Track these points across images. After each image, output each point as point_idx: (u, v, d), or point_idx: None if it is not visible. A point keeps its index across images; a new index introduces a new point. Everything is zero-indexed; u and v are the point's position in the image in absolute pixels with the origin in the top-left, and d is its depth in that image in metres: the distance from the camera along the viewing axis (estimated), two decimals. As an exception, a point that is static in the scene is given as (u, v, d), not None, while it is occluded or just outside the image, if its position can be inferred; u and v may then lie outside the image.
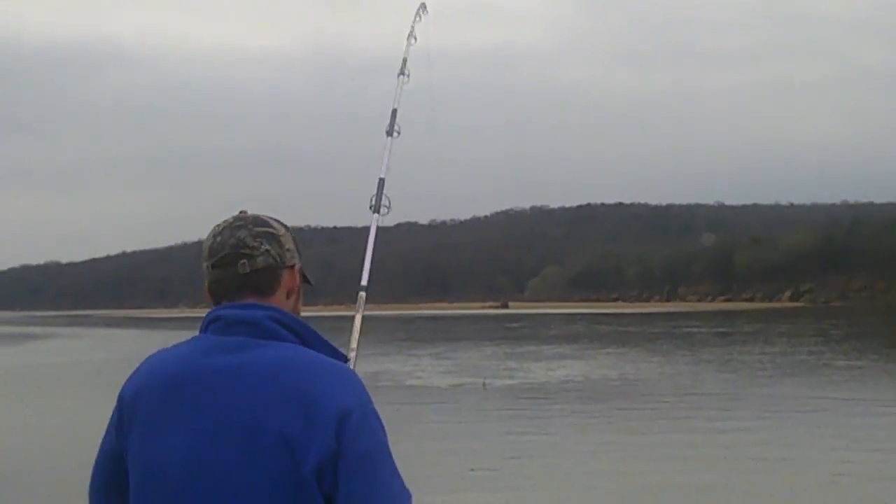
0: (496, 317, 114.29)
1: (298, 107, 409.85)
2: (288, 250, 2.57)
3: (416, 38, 4.48)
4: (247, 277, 2.50)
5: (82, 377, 35.95)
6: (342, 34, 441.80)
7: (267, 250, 2.52)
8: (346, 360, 2.53)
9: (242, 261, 2.49)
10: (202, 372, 2.39)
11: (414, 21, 4.55)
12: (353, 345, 4.23)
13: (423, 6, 4.69)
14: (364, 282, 4.06)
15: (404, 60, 4.42)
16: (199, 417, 2.34)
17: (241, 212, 2.59)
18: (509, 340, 57.42)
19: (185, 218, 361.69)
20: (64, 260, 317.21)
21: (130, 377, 2.52)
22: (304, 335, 2.47)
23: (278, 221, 2.60)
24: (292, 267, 2.58)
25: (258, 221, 2.56)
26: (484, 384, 29.58)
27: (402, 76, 4.37)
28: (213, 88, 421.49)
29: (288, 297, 2.56)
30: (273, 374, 2.34)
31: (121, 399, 2.50)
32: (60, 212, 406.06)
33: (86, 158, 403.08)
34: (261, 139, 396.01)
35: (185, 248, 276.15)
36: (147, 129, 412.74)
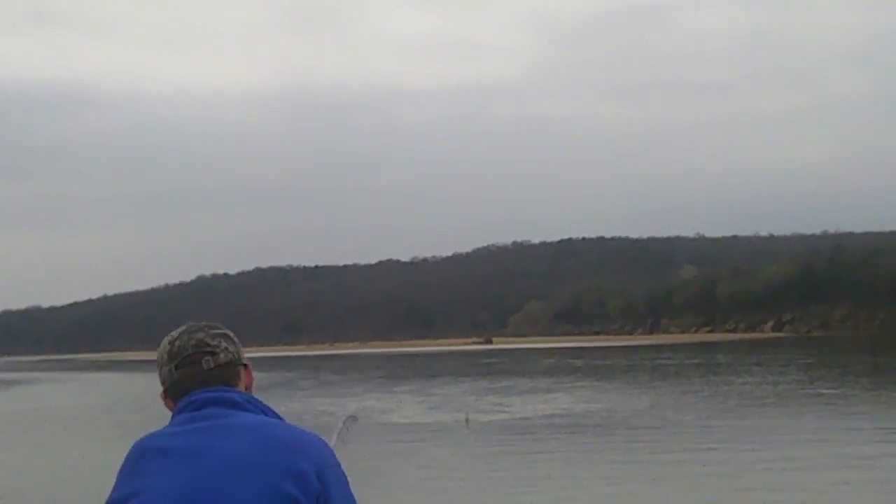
0: (480, 353, 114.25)
1: (276, 144, 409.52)
2: (241, 352, 2.82)
3: (343, 440, 4.89)
4: (211, 373, 2.71)
5: (69, 422, 35.79)
6: (317, 71, 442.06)
7: (226, 347, 2.76)
8: None
9: (206, 358, 2.72)
10: (187, 436, 2.59)
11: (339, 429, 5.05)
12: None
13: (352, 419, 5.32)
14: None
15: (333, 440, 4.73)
16: (192, 466, 2.52)
17: (188, 324, 2.79)
18: (491, 376, 57.42)
19: (166, 259, 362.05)
20: (45, 304, 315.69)
21: (119, 482, 2.63)
22: (267, 413, 2.72)
23: (229, 331, 2.83)
24: (246, 366, 2.82)
25: (212, 326, 2.79)
26: (466, 420, 29.58)
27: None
28: (190, 128, 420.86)
29: (247, 390, 2.80)
30: (256, 428, 2.59)
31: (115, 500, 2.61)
32: (40, 255, 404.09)
33: (64, 200, 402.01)
34: (238, 178, 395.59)
35: (166, 290, 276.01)
36: (124, 170, 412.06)
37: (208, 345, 2.72)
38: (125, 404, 43.78)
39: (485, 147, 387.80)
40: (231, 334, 2.80)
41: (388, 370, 63.71)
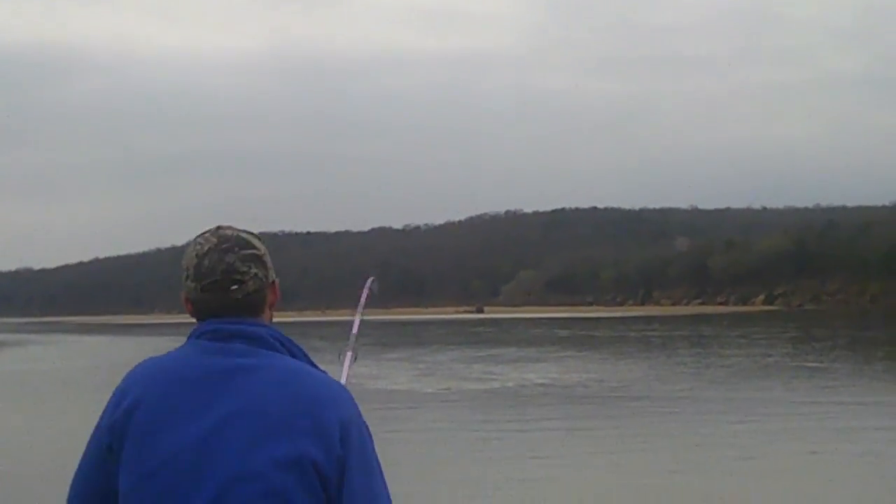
0: (471, 321, 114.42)
1: (267, 110, 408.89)
2: (270, 269, 2.68)
3: (372, 290, 4.84)
4: (238, 301, 2.59)
5: (61, 384, 35.80)
6: (309, 36, 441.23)
7: (255, 273, 2.62)
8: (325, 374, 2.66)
9: (234, 286, 2.58)
10: (211, 369, 2.51)
11: (367, 288, 5.03)
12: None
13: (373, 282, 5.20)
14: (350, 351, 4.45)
15: (353, 336, 4.65)
16: (213, 407, 2.45)
17: (218, 227, 2.66)
18: (482, 344, 57.56)
19: (158, 223, 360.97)
20: (36, 266, 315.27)
21: (120, 394, 2.57)
22: (293, 351, 2.62)
23: (256, 237, 2.69)
24: (273, 283, 2.70)
25: (242, 243, 2.63)
26: (450, 388, 29.66)
27: (349, 353, 4.61)
28: (182, 92, 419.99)
29: (270, 309, 2.69)
30: (283, 379, 2.50)
31: (112, 421, 2.54)
32: (32, 218, 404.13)
33: (56, 164, 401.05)
34: (231, 143, 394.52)
35: (158, 253, 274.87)
36: (117, 134, 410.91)
37: (238, 271, 2.59)
38: (118, 367, 43.69)
39: (479, 116, 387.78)
40: (260, 250, 2.66)
41: (377, 337, 63.73)
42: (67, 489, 2.64)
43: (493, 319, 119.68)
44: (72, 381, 36.93)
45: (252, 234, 2.69)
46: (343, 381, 4.16)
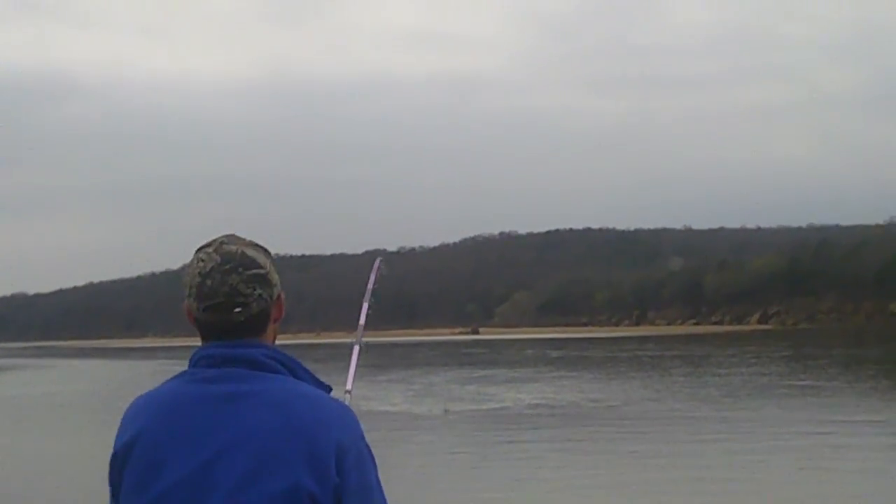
0: (464, 342, 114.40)
1: (260, 133, 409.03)
2: (275, 285, 2.59)
3: (377, 279, 4.94)
4: (241, 324, 2.52)
5: (55, 408, 35.77)
6: (300, 59, 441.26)
7: (259, 294, 2.53)
8: (329, 390, 2.60)
9: (237, 309, 2.50)
10: (206, 399, 2.45)
11: (378, 268, 5.15)
12: (349, 386, 4.43)
13: (383, 262, 5.27)
14: (349, 386, 4.45)
15: (369, 290, 4.73)
16: (207, 441, 2.40)
17: (221, 242, 2.57)
18: (475, 365, 57.61)
19: (152, 248, 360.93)
20: (31, 291, 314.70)
21: (120, 428, 2.53)
22: (294, 369, 2.55)
23: (262, 250, 2.61)
24: (278, 297, 2.61)
25: (247, 262, 2.54)
26: (446, 411, 29.64)
27: (366, 302, 4.67)
28: (173, 116, 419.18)
29: (275, 323, 2.63)
30: (277, 405, 2.42)
31: (112, 457, 2.51)
32: (26, 242, 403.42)
33: (50, 188, 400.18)
34: (224, 167, 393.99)
35: (153, 277, 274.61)
36: (109, 159, 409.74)
37: (241, 293, 2.50)
38: (112, 391, 43.65)
39: (472, 138, 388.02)
40: (265, 268, 2.57)
41: (369, 359, 63.86)
42: None
43: (486, 341, 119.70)
44: (67, 405, 36.91)
45: (256, 247, 2.61)
46: (351, 374, 4.19)
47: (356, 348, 4.48)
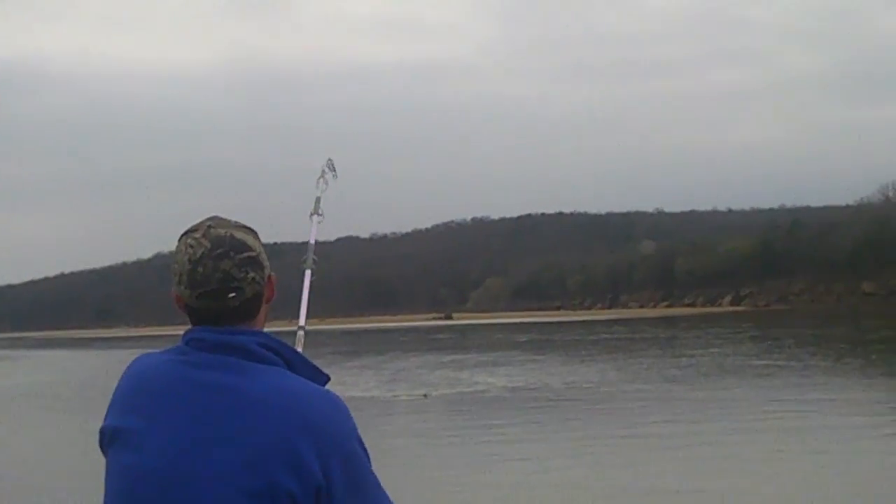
0: (435, 328, 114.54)
1: (228, 122, 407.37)
2: (266, 267, 2.54)
3: (326, 182, 4.50)
4: (235, 309, 2.47)
5: (25, 399, 35.67)
6: (268, 48, 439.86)
7: (252, 278, 2.48)
8: (328, 379, 2.57)
9: (232, 294, 2.45)
10: (192, 383, 2.40)
11: (322, 172, 4.58)
12: (302, 321, 4.16)
13: (331, 164, 4.69)
14: (302, 322, 4.09)
15: (317, 200, 4.42)
16: (188, 428, 2.35)
17: (209, 226, 2.48)
18: (444, 350, 57.77)
19: (123, 237, 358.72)
20: (1, 282, 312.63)
21: (112, 406, 2.50)
22: (290, 358, 2.50)
23: (251, 232, 2.54)
24: (269, 278, 2.56)
25: (237, 245, 2.47)
26: (425, 395, 29.74)
27: (315, 216, 4.40)
28: (142, 105, 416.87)
29: (267, 304, 2.58)
30: (265, 401, 2.35)
31: (101, 432, 2.49)
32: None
33: (19, 178, 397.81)
34: (193, 156, 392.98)
35: (124, 267, 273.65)
36: (78, 149, 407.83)
37: (235, 278, 2.43)
38: (81, 381, 43.53)
39: (443, 124, 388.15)
40: (255, 250, 2.50)
41: (338, 346, 63.92)
42: None
43: (456, 326, 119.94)
44: (34, 396, 36.79)
45: (245, 228, 2.54)
46: (303, 306, 4.05)
47: (308, 273, 4.21)
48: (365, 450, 2.46)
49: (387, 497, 2.49)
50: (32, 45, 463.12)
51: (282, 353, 2.48)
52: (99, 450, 2.49)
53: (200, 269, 2.43)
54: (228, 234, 2.48)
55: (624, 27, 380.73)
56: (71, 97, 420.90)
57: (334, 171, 4.64)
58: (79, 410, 26.91)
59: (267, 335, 2.49)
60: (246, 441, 2.31)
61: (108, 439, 2.46)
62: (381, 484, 2.48)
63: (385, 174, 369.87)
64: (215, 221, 2.51)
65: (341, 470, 2.37)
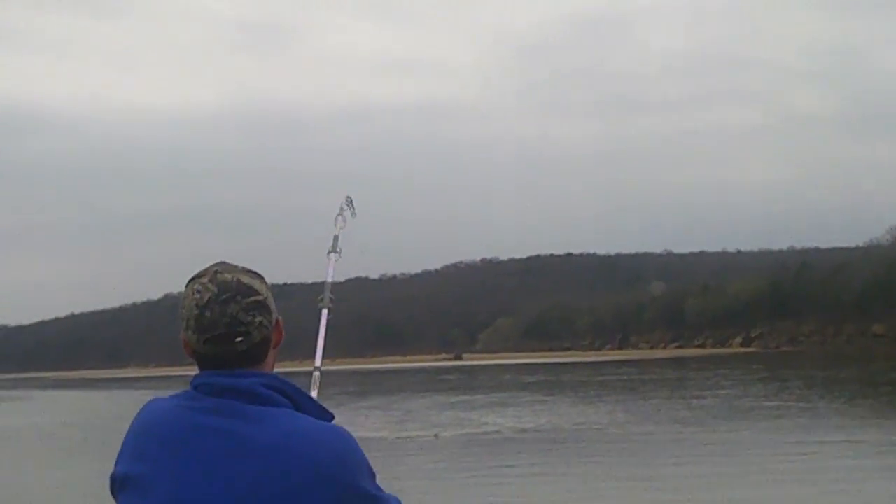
0: (447, 369, 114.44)
1: (233, 164, 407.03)
2: (273, 311, 2.54)
3: (345, 220, 4.52)
4: (243, 353, 2.46)
5: (43, 439, 35.76)
6: (272, 90, 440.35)
7: (260, 322, 2.47)
8: (332, 417, 2.58)
9: (239, 338, 2.45)
10: (199, 430, 2.40)
11: (341, 210, 4.60)
12: (318, 363, 4.17)
13: (349, 201, 4.69)
14: (318, 363, 4.09)
15: (335, 238, 4.46)
16: (196, 477, 2.35)
17: (216, 271, 2.49)
18: (452, 391, 57.74)
19: (132, 279, 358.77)
20: (12, 323, 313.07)
21: (122, 453, 2.50)
22: (296, 398, 2.49)
23: (257, 277, 2.55)
24: (277, 322, 2.56)
25: (244, 290, 2.47)
26: (436, 435, 29.71)
27: (333, 254, 4.45)
28: (145, 148, 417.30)
29: (275, 349, 2.58)
30: (273, 448, 2.35)
31: (112, 479, 2.50)
32: (4, 275, 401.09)
33: (27, 222, 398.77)
34: (198, 197, 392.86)
35: (134, 308, 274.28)
36: (83, 192, 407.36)
37: (242, 322, 2.43)
38: (92, 421, 43.58)
39: (450, 165, 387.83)
40: (262, 294, 2.50)
41: (345, 386, 63.93)
42: None
43: (464, 367, 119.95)
44: (46, 437, 36.83)
45: (252, 273, 2.54)
46: (319, 347, 4.04)
47: (324, 312, 4.21)
48: (374, 490, 2.46)
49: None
50: (32, 88, 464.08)
51: (287, 393, 2.47)
52: (111, 496, 2.51)
53: (208, 314, 2.43)
54: (235, 278, 2.48)
55: (632, 66, 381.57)
56: (72, 140, 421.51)
57: (353, 208, 4.66)
58: (92, 451, 27.03)
59: (273, 376, 2.50)
60: (257, 493, 2.30)
61: (119, 486, 2.47)
62: (390, 497, 2.51)
63: (394, 215, 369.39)
64: (222, 267, 2.53)
65: None
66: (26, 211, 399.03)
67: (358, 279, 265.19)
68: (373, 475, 2.47)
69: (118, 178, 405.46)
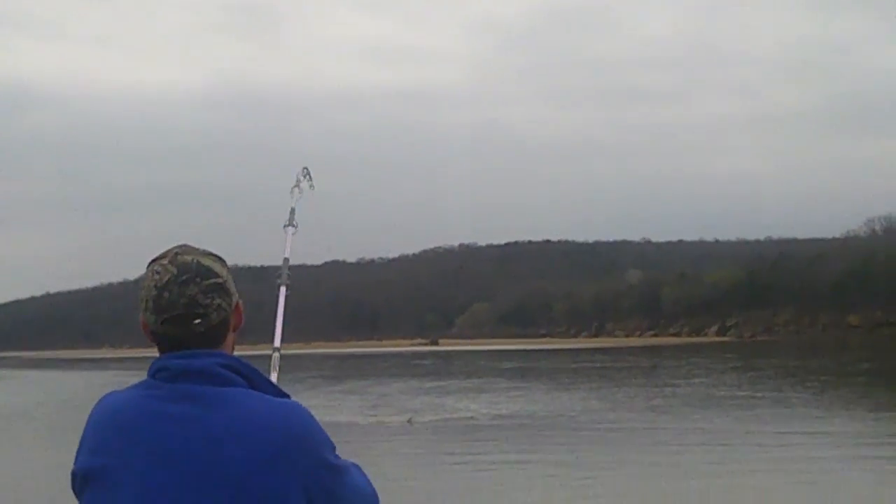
0: (422, 354, 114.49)
1: (219, 144, 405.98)
2: (233, 294, 2.54)
3: (301, 192, 4.42)
4: (201, 335, 2.47)
5: (16, 420, 35.64)
6: (260, 71, 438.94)
7: (219, 304, 2.48)
8: (288, 396, 2.53)
9: (197, 320, 2.45)
10: (158, 417, 2.38)
11: (297, 181, 4.52)
12: (277, 343, 4.05)
13: (306, 172, 4.61)
14: (277, 343, 3.98)
15: (292, 210, 4.37)
16: (160, 467, 2.34)
17: (177, 253, 2.50)
18: (427, 376, 57.77)
19: (108, 258, 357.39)
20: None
21: (81, 448, 2.48)
22: (252, 378, 2.48)
23: (218, 260, 2.56)
24: (237, 306, 2.57)
25: (203, 271, 2.49)
26: (410, 420, 29.74)
27: (290, 227, 4.36)
28: (129, 126, 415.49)
29: (234, 331, 2.58)
30: (229, 427, 2.35)
31: (73, 476, 2.47)
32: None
33: (5, 198, 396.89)
34: (182, 176, 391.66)
35: (110, 288, 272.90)
36: (66, 168, 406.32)
37: (200, 304, 2.44)
38: (65, 402, 43.43)
39: (431, 150, 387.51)
40: (222, 277, 2.52)
41: (321, 371, 63.95)
42: None
43: (443, 352, 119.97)
44: (17, 416, 36.70)
45: (213, 256, 2.55)
46: (278, 325, 3.98)
47: (283, 290, 4.11)
48: (336, 456, 2.48)
49: (364, 487, 2.58)
50: (21, 65, 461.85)
51: (243, 373, 2.47)
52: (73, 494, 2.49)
53: (166, 295, 2.44)
54: (195, 260, 2.50)
55: (614, 54, 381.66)
56: (59, 117, 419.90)
57: (311, 179, 4.60)
58: (70, 431, 26.95)
59: (229, 356, 2.50)
60: (225, 475, 2.31)
61: (81, 481, 2.44)
62: (350, 465, 2.55)
63: (373, 199, 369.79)
64: (183, 249, 2.53)
65: (322, 481, 2.40)
66: (7, 186, 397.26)
67: (335, 262, 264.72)
68: (333, 447, 2.47)
69: (98, 155, 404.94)
